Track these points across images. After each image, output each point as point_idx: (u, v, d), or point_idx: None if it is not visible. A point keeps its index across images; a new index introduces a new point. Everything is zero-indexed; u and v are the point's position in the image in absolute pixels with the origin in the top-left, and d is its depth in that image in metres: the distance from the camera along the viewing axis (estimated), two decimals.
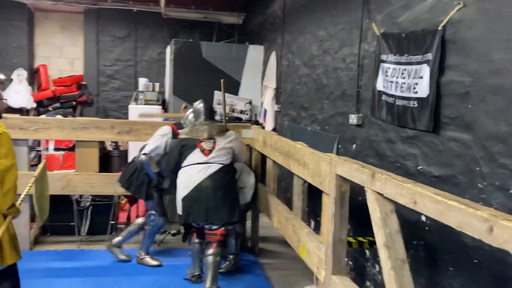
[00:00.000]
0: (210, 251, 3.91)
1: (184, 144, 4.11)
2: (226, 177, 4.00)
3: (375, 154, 3.51)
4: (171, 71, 7.18)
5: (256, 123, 6.76)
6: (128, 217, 5.88)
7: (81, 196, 5.24)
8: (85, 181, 4.80)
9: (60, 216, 5.25)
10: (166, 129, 4.51)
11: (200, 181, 3.87)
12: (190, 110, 4.59)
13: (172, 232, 5.50)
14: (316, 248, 3.07)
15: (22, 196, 3.09)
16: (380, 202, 2.28)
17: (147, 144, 4.43)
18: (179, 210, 3.96)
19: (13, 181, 2.85)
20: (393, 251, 2.20)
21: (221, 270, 4.41)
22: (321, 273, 2.97)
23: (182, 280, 4.27)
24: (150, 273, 4.40)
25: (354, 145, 3.88)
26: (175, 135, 4.47)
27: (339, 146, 4.17)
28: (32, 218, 4.78)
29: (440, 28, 2.66)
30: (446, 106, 2.67)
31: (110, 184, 4.85)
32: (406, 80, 3.02)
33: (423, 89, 2.82)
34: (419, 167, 2.94)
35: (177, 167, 4.08)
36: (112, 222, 5.30)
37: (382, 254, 2.23)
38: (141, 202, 5.42)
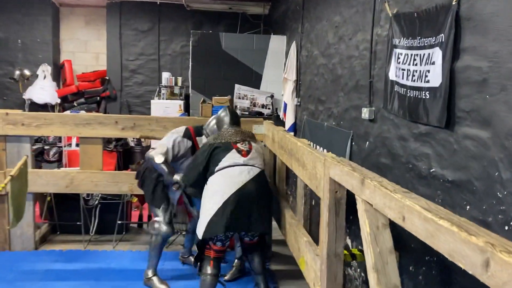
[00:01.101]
0: (254, 257, 3.61)
1: (214, 148, 3.61)
2: (266, 182, 3.61)
3: (388, 153, 3.08)
4: (189, 64, 6.92)
5: (277, 118, 6.40)
6: (140, 216, 5.69)
7: (88, 195, 5.08)
8: (88, 179, 4.61)
9: (69, 214, 5.13)
10: (180, 128, 4.15)
11: (243, 184, 3.37)
12: (213, 117, 4.15)
13: (184, 233, 5.22)
14: (313, 261, 2.69)
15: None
16: (370, 214, 1.89)
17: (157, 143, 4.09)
18: (205, 220, 3.33)
19: None
20: (383, 276, 1.80)
21: (225, 278, 4.11)
22: None
23: (179, 285, 4.00)
24: None
25: (367, 143, 3.45)
26: (188, 136, 4.09)
27: (353, 143, 3.74)
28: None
29: (454, 3, 2.20)
30: (461, 97, 2.21)
31: (114, 183, 4.65)
32: (418, 67, 2.57)
33: (435, 77, 2.37)
34: (432, 170, 2.49)
35: (201, 177, 3.61)
36: (120, 221, 5.11)
37: (371, 278, 1.84)
38: None
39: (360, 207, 1.95)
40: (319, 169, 2.54)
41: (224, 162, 3.50)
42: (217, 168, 3.50)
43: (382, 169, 3.15)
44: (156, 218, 4.02)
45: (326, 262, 2.39)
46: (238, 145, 3.64)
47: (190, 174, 3.73)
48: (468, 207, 2.17)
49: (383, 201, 1.71)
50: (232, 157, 3.53)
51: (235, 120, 4.00)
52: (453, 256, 1.27)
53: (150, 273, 4.04)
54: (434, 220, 1.36)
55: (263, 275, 3.59)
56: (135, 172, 4.41)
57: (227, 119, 3.96)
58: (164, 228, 3.97)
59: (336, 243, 2.38)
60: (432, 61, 2.40)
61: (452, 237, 1.27)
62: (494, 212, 1.96)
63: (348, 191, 2.25)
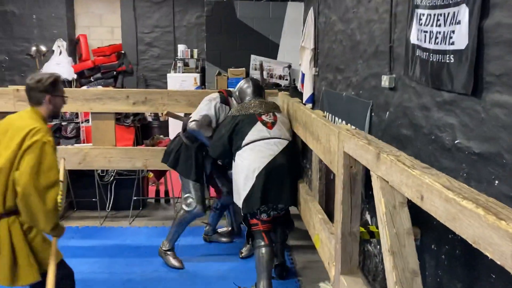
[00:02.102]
0: (278, 229, 3.61)
1: (237, 121, 3.52)
2: (294, 154, 3.53)
3: (409, 124, 2.86)
4: (201, 35, 6.71)
5: (295, 89, 6.17)
6: (157, 192, 5.63)
7: (103, 171, 5.03)
8: (102, 156, 4.53)
9: (85, 191, 5.10)
10: (214, 94, 3.98)
11: (273, 157, 3.31)
12: (237, 87, 3.96)
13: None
14: (327, 239, 2.54)
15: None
16: (386, 192, 1.71)
17: (193, 113, 3.93)
18: (241, 197, 3.32)
19: (56, 198, 2.46)
20: (400, 259, 1.63)
21: (242, 254, 4.03)
22: (331, 271, 2.45)
23: (195, 261, 3.93)
24: None
25: (388, 113, 3.22)
26: (224, 100, 3.93)
27: (372, 114, 3.53)
28: None
29: None
30: (490, 59, 1.97)
31: (128, 159, 4.56)
32: (441, 28, 2.33)
33: (460, 38, 2.13)
34: (456, 141, 2.27)
35: (227, 150, 3.56)
36: (136, 197, 5.05)
37: (386, 262, 1.67)
38: (173, 177, 5.06)
39: (376, 184, 1.77)
40: (333, 142, 2.36)
41: (250, 136, 3.43)
42: (244, 143, 3.43)
43: (403, 141, 2.94)
44: (188, 194, 3.90)
45: (340, 241, 2.23)
46: (263, 117, 3.54)
47: (215, 147, 3.66)
48: (496, 182, 1.96)
49: (400, 178, 1.53)
50: (258, 130, 3.45)
51: (258, 91, 3.84)
52: (479, 243, 1.09)
53: (167, 246, 3.98)
54: (457, 200, 1.18)
55: (281, 246, 3.54)
56: (149, 148, 4.30)
57: (249, 91, 3.81)
58: (198, 207, 3.88)
59: (351, 222, 2.22)
60: (457, 21, 2.16)
61: (478, 221, 1.08)
62: None
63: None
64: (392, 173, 1.59)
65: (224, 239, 4.42)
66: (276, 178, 3.25)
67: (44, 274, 2.50)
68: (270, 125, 3.48)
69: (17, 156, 2.41)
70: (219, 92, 4.07)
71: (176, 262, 3.90)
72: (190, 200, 3.87)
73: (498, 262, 1.02)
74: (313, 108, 5.56)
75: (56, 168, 2.50)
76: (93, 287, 3.52)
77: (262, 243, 3.31)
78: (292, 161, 3.39)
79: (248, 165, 3.31)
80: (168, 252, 3.96)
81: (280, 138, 3.43)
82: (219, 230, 4.50)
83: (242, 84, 3.91)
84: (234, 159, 3.48)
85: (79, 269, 3.78)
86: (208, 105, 3.87)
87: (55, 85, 2.64)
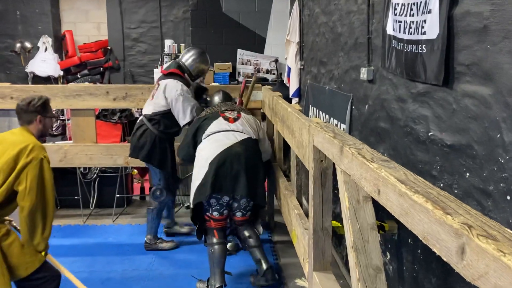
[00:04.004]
0: (246, 232, 3.38)
1: (202, 121, 3.55)
2: (257, 150, 3.44)
3: (386, 117, 2.81)
4: (189, 30, 6.64)
5: (282, 83, 6.11)
6: (142, 189, 5.57)
7: (86, 168, 4.96)
8: (82, 153, 4.47)
9: (68, 189, 5.03)
10: (177, 85, 3.97)
11: (230, 145, 3.25)
12: (192, 53, 4.18)
13: (186, 204, 5.11)
14: (302, 235, 2.50)
15: None
16: (349, 186, 1.66)
17: (178, 111, 3.94)
18: (194, 186, 3.25)
19: (53, 215, 2.66)
20: (363, 256, 1.58)
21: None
22: (305, 267, 2.41)
23: (177, 261, 3.87)
24: (146, 253, 4.06)
25: (367, 106, 3.17)
26: (186, 83, 4.05)
27: (353, 107, 3.47)
28: None
29: None
30: (460, 49, 1.92)
31: (109, 155, 4.50)
32: (414, 17, 2.27)
33: (432, 27, 2.08)
34: (430, 133, 2.22)
35: (192, 149, 3.57)
36: (119, 195, 4.99)
37: (350, 258, 1.62)
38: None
39: (340, 178, 1.72)
40: (305, 136, 2.31)
41: (210, 129, 3.43)
42: (204, 136, 3.43)
43: (381, 134, 2.90)
44: (157, 186, 4.06)
45: (313, 237, 2.18)
46: (226, 113, 3.55)
47: (181, 149, 3.70)
48: (467, 174, 1.91)
49: (360, 171, 1.48)
50: (218, 123, 3.44)
51: (228, 98, 4.01)
52: (427, 239, 1.04)
53: (153, 239, 4.09)
54: (408, 194, 1.13)
55: (259, 248, 3.39)
56: (129, 144, 4.23)
57: (218, 97, 4.03)
58: (166, 194, 4.05)
59: (323, 216, 2.16)
60: (428, 9, 2.10)
61: (427, 216, 1.03)
62: (495, 180, 1.71)
63: None
64: (353, 166, 1.54)
65: (184, 230, 4.43)
66: (230, 166, 3.13)
67: (19, 281, 2.60)
68: (232, 120, 3.47)
69: (14, 171, 2.52)
70: (171, 75, 4.06)
71: (168, 244, 4.09)
72: (158, 191, 4.03)
73: (444, 259, 0.97)
74: (299, 102, 5.50)
75: (52, 183, 2.66)
76: (71, 286, 3.46)
77: (214, 240, 3.26)
78: (253, 155, 3.29)
79: (203, 155, 3.27)
80: (157, 241, 4.09)
81: (241, 132, 3.39)
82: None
83: (214, 94, 4.11)
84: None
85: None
86: (186, 98, 3.93)
87: (45, 106, 2.79)
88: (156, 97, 4.03)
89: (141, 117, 4.13)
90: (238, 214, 3.35)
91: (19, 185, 2.52)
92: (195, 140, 3.48)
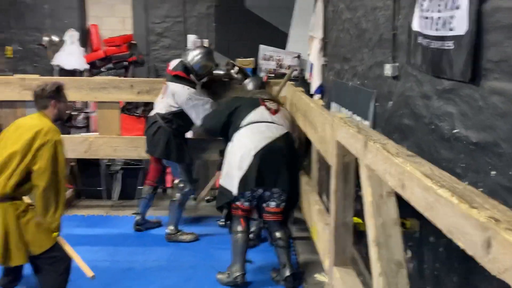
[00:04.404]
0: (278, 234, 3.34)
1: (240, 103, 3.55)
2: (293, 146, 3.49)
3: (411, 114, 2.78)
4: (212, 25, 6.67)
5: (304, 79, 6.10)
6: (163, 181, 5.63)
7: (110, 160, 5.05)
8: (107, 144, 4.56)
9: (92, 180, 5.14)
10: (185, 89, 4.07)
11: (273, 139, 3.28)
12: (199, 53, 4.27)
13: (192, 196, 5.13)
14: (322, 230, 2.50)
15: None
16: (373, 181, 1.66)
17: (191, 114, 4.06)
18: (237, 175, 3.26)
19: (65, 195, 2.87)
20: (385, 250, 1.58)
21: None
22: (325, 262, 2.41)
23: (197, 252, 3.92)
24: (167, 244, 4.13)
25: (390, 102, 3.15)
26: (193, 86, 4.13)
27: (376, 103, 3.45)
28: None
29: None
30: (489, 45, 1.89)
31: (133, 148, 4.58)
32: (442, 13, 2.24)
33: (460, 23, 2.05)
34: (455, 131, 2.20)
35: (220, 127, 3.64)
36: (140, 187, 5.05)
37: (372, 253, 1.62)
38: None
39: (363, 173, 1.72)
40: (327, 131, 2.31)
41: (251, 116, 3.42)
42: (244, 123, 3.41)
43: (405, 131, 2.87)
44: (180, 179, 4.21)
45: (334, 232, 2.19)
46: (267, 103, 3.52)
47: (210, 119, 3.78)
48: (493, 172, 1.89)
49: (384, 166, 1.48)
50: (260, 112, 3.44)
51: (262, 85, 4.05)
52: (452, 233, 1.04)
53: (174, 230, 4.18)
54: (434, 189, 1.12)
55: (287, 250, 3.38)
56: None
57: (254, 83, 4.02)
58: (189, 186, 4.19)
59: (344, 212, 2.17)
60: (456, 5, 2.08)
61: (452, 210, 1.03)
62: None
63: None
64: (378, 161, 1.54)
65: (156, 226, 4.47)
66: (273, 161, 3.19)
67: (33, 257, 2.74)
68: (273, 111, 3.47)
69: (31, 151, 2.69)
70: (176, 77, 4.13)
71: (189, 236, 4.17)
72: (182, 183, 4.16)
73: (469, 253, 0.97)
74: (321, 99, 5.48)
75: (65, 165, 2.83)
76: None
77: (239, 228, 3.32)
78: (290, 150, 3.34)
79: (245, 144, 3.26)
80: (178, 233, 4.18)
81: (281, 126, 3.41)
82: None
83: (248, 80, 4.13)
84: (231, 139, 3.43)
85: (82, 257, 3.81)
86: (195, 100, 4.03)
87: (59, 91, 2.97)
88: (166, 98, 4.15)
89: (154, 113, 4.19)
90: (272, 204, 3.33)
91: (35, 165, 2.69)
92: (229, 120, 3.49)
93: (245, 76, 4.45)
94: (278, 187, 3.22)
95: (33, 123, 2.81)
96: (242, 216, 3.36)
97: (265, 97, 3.59)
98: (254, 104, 3.50)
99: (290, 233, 3.48)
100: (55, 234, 2.82)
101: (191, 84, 4.08)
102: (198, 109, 3.99)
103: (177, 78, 4.09)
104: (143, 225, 4.42)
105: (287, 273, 3.29)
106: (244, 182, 3.21)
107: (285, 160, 3.24)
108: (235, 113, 3.50)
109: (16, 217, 2.67)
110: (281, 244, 3.34)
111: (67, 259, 2.89)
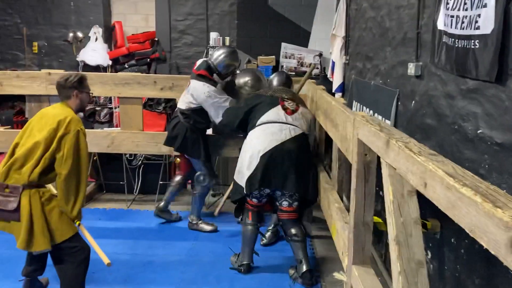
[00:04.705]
0: (293, 230, 3.39)
1: (260, 101, 3.59)
2: (307, 146, 3.49)
3: (433, 114, 2.76)
4: (234, 23, 6.69)
5: (325, 78, 6.08)
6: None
7: (131, 155, 5.12)
8: (129, 140, 4.62)
9: (114, 174, 5.22)
10: (205, 87, 4.11)
11: (283, 141, 3.31)
12: (222, 52, 4.32)
13: (211, 193, 5.22)
14: (342, 229, 2.50)
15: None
16: (394, 180, 1.65)
17: (210, 111, 4.12)
18: (245, 174, 3.33)
19: (86, 186, 2.90)
20: (406, 249, 1.58)
21: (262, 242, 4.02)
22: (344, 261, 2.41)
23: (216, 248, 3.95)
24: (187, 239, 4.17)
25: (413, 102, 3.12)
26: (214, 83, 4.17)
27: (399, 103, 3.42)
28: None
29: None
30: None
31: (154, 143, 4.63)
32: (468, 12, 2.22)
33: (486, 22, 2.03)
34: (479, 131, 2.17)
35: (235, 122, 3.74)
36: (162, 182, 5.12)
37: (392, 251, 1.62)
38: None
39: (385, 171, 1.71)
40: (349, 129, 2.31)
41: (266, 116, 3.45)
42: (258, 122, 3.46)
43: (427, 130, 2.85)
44: (200, 172, 4.30)
45: (353, 231, 2.19)
46: (286, 103, 3.53)
47: (229, 114, 3.85)
48: None
49: (406, 164, 1.47)
50: (276, 112, 3.46)
51: (287, 82, 3.98)
52: (474, 232, 1.04)
53: (195, 219, 4.35)
54: (456, 187, 1.12)
55: (303, 246, 3.40)
56: None
57: (278, 78, 4.00)
58: (209, 180, 4.30)
59: (364, 211, 2.16)
60: (483, 3, 2.05)
61: (475, 209, 1.03)
62: None
63: None
64: (400, 159, 1.53)
65: (174, 220, 4.53)
66: (281, 163, 3.22)
67: (53, 247, 2.78)
68: (289, 112, 3.47)
69: (55, 140, 2.75)
70: (199, 76, 4.18)
71: (209, 226, 4.31)
72: (202, 177, 4.27)
73: (492, 252, 0.96)
74: (342, 97, 5.45)
75: (87, 154, 2.87)
76: (114, 267, 3.59)
77: (247, 221, 3.48)
78: (305, 152, 3.35)
79: (255, 145, 3.33)
80: (199, 222, 4.33)
81: (296, 127, 3.40)
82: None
83: (274, 74, 4.12)
84: (246, 137, 3.52)
85: (103, 249, 3.86)
86: (215, 97, 4.06)
87: (81, 82, 3.01)
88: (187, 94, 4.23)
89: (177, 108, 4.31)
90: (284, 203, 3.38)
91: (58, 152, 2.75)
92: (247, 117, 3.56)
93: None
94: (285, 189, 3.27)
95: (56, 112, 2.87)
96: (251, 210, 3.49)
97: (286, 96, 3.59)
98: (272, 103, 3.52)
99: (305, 230, 3.53)
100: (78, 222, 2.89)
101: (212, 82, 4.12)
102: (217, 106, 4.03)
103: (199, 77, 4.14)
104: (163, 213, 4.49)
105: (304, 268, 3.32)
106: (250, 182, 3.28)
107: (295, 162, 3.25)
108: (253, 111, 3.55)
109: (41, 204, 2.75)
110: (296, 240, 3.37)
111: (86, 250, 2.95)
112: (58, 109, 2.93)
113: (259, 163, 3.24)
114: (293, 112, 3.48)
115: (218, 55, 4.23)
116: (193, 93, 4.13)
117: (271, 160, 3.23)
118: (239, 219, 3.62)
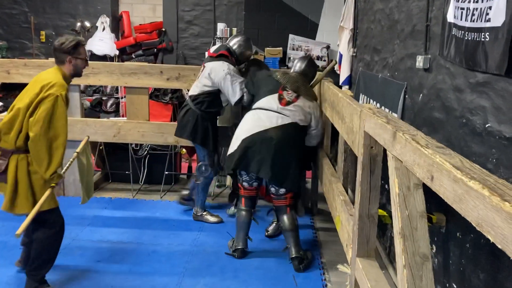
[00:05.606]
0: (284, 217, 3.50)
1: (263, 85, 3.72)
2: (295, 136, 3.52)
3: (441, 107, 2.73)
4: (241, 14, 6.65)
5: (332, 70, 6.02)
6: (190, 168, 5.70)
7: (137, 145, 5.13)
8: (135, 129, 4.63)
9: (119, 164, 5.23)
10: (224, 65, 4.10)
11: (266, 128, 3.41)
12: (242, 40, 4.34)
13: (216, 184, 5.22)
14: (346, 221, 2.49)
15: (65, 168, 3.08)
16: (400, 172, 1.64)
17: (228, 90, 4.09)
18: (228, 152, 3.57)
19: (62, 151, 2.82)
20: (411, 243, 1.57)
21: (267, 234, 4.03)
22: (349, 253, 2.41)
23: (220, 238, 3.96)
24: (191, 229, 4.17)
25: (421, 95, 3.09)
26: (233, 63, 4.20)
27: (406, 96, 3.39)
28: None
29: None
30: None
31: (160, 133, 4.63)
32: (478, 4, 2.18)
33: (497, 14, 1.99)
34: (487, 125, 2.15)
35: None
36: (167, 172, 5.13)
37: (397, 244, 1.61)
38: None
39: (391, 164, 1.70)
40: (355, 122, 2.29)
41: (262, 102, 3.57)
42: (254, 106, 3.62)
43: (435, 124, 2.82)
44: (202, 162, 4.29)
45: (358, 223, 2.18)
46: (284, 92, 3.58)
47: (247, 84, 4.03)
48: None
49: (413, 157, 1.46)
50: (271, 100, 3.54)
51: (306, 70, 3.94)
52: (481, 225, 1.02)
53: (200, 210, 4.35)
54: (464, 180, 1.10)
55: (292, 233, 3.50)
56: None
57: (300, 64, 3.98)
58: (211, 170, 4.29)
59: (369, 204, 2.15)
60: None
61: (482, 202, 1.02)
62: None
63: None
64: (406, 152, 1.52)
65: (190, 205, 4.56)
66: (259, 149, 3.32)
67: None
68: (284, 102, 3.52)
69: (33, 104, 2.74)
70: (219, 57, 4.17)
71: (214, 218, 4.32)
72: (203, 167, 4.26)
73: (499, 246, 0.95)
74: (349, 90, 5.42)
75: (64, 120, 2.79)
76: (119, 256, 3.62)
77: (240, 206, 3.61)
78: (287, 141, 3.39)
79: (241, 127, 3.50)
80: (204, 213, 4.33)
81: (284, 115, 3.46)
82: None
83: (298, 59, 4.15)
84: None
85: (108, 238, 3.93)
86: (233, 76, 4.05)
87: (76, 48, 2.94)
88: (201, 78, 4.18)
89: (187, 98, 4.29)
90: (272, 189, 3.51)
91: (32, 116, 2.73)
92: (253, 92, 3.79)
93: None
94: (261, 174, 3.38)
95: (46, 77, 2.83)
96: (243, 195, 3.61)
97: (288, 85, 3.61)
98: (274, 89, 3.61)
99: (299, 214, 3.65)
100: (53, 184, 2.84)
101: (232, 62, 4.14)
102: (235, 86, 4.02)
103: (220, 56, 4.14)
104: (187, 201, 4.57)
105: (292, 254, 3.46)
106: (228, 160, 3.50)
107: (273, 149, 3.33)
108: (257, 93, 3.72)
109: (27, 169, 2.77)
110: (285, 227, 3.49)
111: (61, 224, 2.97)
112: (49, 74, 2.88)
113: (239, 146, 3.41)
114: (288, 103, 3.52)
115: (236, 41, 4.29)
116: (211, 73, 4.09)
117: (251, 145, 3.37)
118: (233, 207, 3.85)
